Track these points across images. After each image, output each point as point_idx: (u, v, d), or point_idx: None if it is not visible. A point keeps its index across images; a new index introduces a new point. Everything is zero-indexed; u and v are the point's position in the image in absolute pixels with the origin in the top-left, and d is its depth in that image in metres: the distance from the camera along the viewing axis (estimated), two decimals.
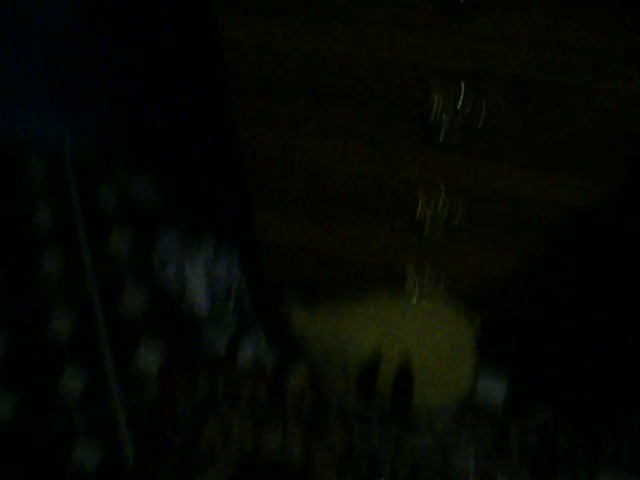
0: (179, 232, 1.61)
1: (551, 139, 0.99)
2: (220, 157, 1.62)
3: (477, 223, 1.16)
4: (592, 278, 1.27)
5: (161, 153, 1.72)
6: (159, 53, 1.49)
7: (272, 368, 1.57)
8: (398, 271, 1.33)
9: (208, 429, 1.48)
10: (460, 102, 0.95)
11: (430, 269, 1.31)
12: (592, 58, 0.86)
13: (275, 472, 1.43)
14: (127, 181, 1.76)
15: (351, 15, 0.88)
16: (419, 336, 1.35)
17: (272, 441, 1.46)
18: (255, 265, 1.52)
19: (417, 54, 0.91)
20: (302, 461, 1.44)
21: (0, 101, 1.77)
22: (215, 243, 1.57)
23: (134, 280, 1.70)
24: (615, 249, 1.18)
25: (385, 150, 1.07)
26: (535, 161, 1.03)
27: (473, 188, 1.10)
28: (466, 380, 1.41)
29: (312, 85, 1.00)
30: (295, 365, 1.49)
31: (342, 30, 0.91)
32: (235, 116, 1.09)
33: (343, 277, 1.42)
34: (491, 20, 0.84)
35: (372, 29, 0.89)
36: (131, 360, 1.59)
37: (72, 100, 1.71)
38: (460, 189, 1.10)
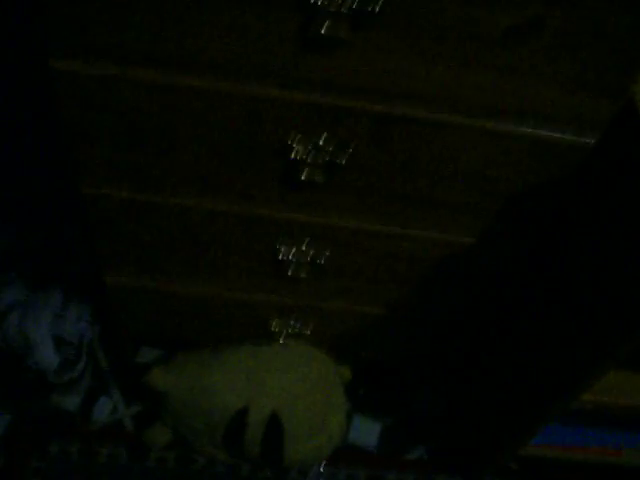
0: (22, 284, 1.47)
1: (418, 178, 0.96)
2: (62, 202, 1.50)
3: (343, 262, 1.12)
4: (462, 318, 1.26)
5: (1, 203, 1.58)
6: None
7: (131, 429, 1.46)
8: (263, 316, 1.27)
9: None
10: (322, 139, 0.90)
11: (297, 313, 1.26)
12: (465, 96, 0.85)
13: None
14: None
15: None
16: (288, 383, 1.29)
17: None
18: (108, 319, 1.41)
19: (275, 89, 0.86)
20: None
21: None
22: (63, 296, 1.44)
23: None
24: (487, 287, 1.18)
25: (242, 190, 1.01)
26: (402, 200, 1.00)
27: (338, 227, 1.05)
28: (339, 425, 1.36)
29: (156, 130, 0.93)
30: (156, 424, 1.38)
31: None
32: (73, 166, 1.00)
33: (204, 326, 1.34)
34: (354, 55, 0.81)
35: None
36: None
37: None
38: (325, 228, 1.06)
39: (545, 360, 1.15)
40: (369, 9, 0.75)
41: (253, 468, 1.42)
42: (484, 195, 0.98)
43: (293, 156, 0.92)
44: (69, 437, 1.43)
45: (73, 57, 0.84)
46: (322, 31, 0.77)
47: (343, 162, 0.92)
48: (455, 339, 1.34)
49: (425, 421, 1.55)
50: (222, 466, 1.42)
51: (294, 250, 1.09)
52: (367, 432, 1.51)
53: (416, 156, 0.93)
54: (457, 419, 1.53)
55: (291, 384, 1.29)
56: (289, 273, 1.13)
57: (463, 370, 1.48)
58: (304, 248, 1.09)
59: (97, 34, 0.81)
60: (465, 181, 0.96)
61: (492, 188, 0.97)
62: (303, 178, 0.95)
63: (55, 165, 1.42)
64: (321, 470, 1.43)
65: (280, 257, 1.10)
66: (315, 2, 0.75)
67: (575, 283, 1.06)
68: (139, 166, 0.98)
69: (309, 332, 1.30)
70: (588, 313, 1.02)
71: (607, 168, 0.97)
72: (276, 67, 0.83)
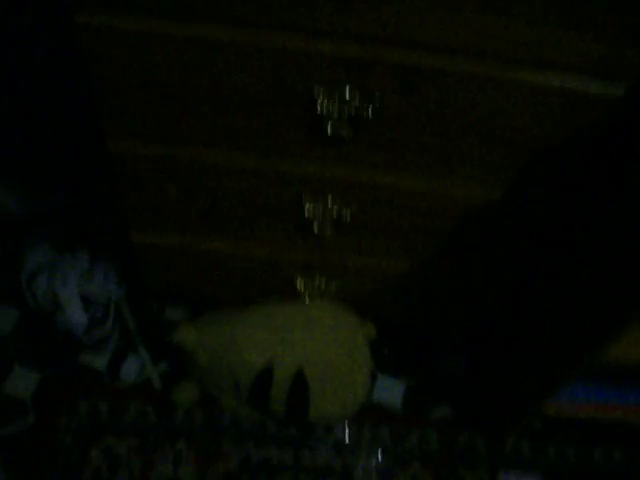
0: (49, 246, 1.49)
1: (446, 131, 0.95)
2: (91, 164, 1.51)
3: (369, 219, 1.12)
4: (486, 275, 1.26)
5: (27, 162, 1.59)
6: (18, 53, 1.38)
7: (158, 387, 1.48)
8: (288, 274, 1.28)
9: (92, 457, 1.37)
10: (347, 92, 0.90)
11: (321, 271, 1.26)
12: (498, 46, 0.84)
13: None
14: None
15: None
16: (312, 342, 1.30)
17: (163, 464, 1.37)
18: (135, 279, 1.43)
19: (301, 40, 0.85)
20: (197, 479, 1.37)
21: None
22: (90, 257, 1.46)
23: (1, 298, 1.57)
24: (509, 244, 1.17)
25: (269, 146, 1.01)
26: (429, 154, 0.99)
27: (364, 183, 1.05)
28: (363, 384, 1.37)
29: (183, 84, 0.93)
30: (183, 382, 1.40)
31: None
32: (103, 126, 1.01)
33: (229, 285, 1.35)
34: (381, 5, 0.80)
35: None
36: (2, 384, 1.46)
37: None
38: (351, 184, 1.06)
39: (569, 315, 1.15)
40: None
41: (278, 425, 1.43)
42: (511, 149, 0.98)
43: (319, 110, 0.92)
44: (98, 395, 1.45)
45: (98, 11, 0.84)
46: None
47: (369, 116, 0.92)
48: (478, 297, 1.34)
49: (449, 381, 1.55)
50: (248, 423, 1.44)
51: (320, 207, 1.10)
52: (391, 392, 1.52)
53: (443, 109, 0.92)
54: (481, 378, 1.53)
55: (316, 342, 1.30)
56: (315, 230, 1.13)
57: (486, 328, 1.48)
58: (330, 205, 1.09)
59: None
60: (492, 134, 0.95)
61: (519, 142, 0.96)
62: (329, 133, 0.94)
63: (81, 124, 1.42)
64: (345, 428, 1.45)
65: (306, 214, 1.10)
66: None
67: (600, 237, 1.05)
68: (166, 122, 0.98)
69: (334, 291, 1.30)
70: (613, 266, 1.01)
71: (634, 121, 0.96)
72: (302, 17, 0.83)
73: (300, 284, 1.29)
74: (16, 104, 1.47)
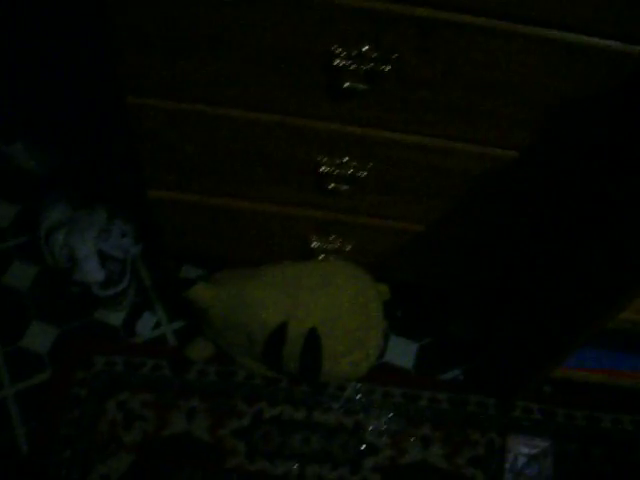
0: (67, 202, 1.50)
1: (463, 88, 0.95)
2: (106, 120, 1.52)
3: (385, 177, 1.13)
4: (500, 235, 1.26)
5: (44, 119, 1.60)
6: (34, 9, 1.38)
7: (173, 343, 1.51)
8: (303, 232, 1.29)
9: (108, 409, 1.39)
10: (366, 46, 0.90)
11: (337, 228, 1.27)
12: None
13: (181, 448, 1.36)
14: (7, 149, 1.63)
15: None
16: (326, 300, 1.31)
17: (177, 417, 1.40)
18: (152, 237, 1.44)
19: None
20: (209, 433, 1.38)
21: None
22: (107, 213, 1.47)
23: (19, 255, 1.60)
24: (526, 205, 1.18)
25: (287, 102, 1.01)
26: (446, 111, 0.99)
27: (380, 139, 1.05)
28: (376, 343, 1.38)
29: (200, 44, 0.93)
30: (197, 339, 1.42)
31: None
32: (120, 77, 1.01)
33: (244, 245, 1.36)
34: None
35: None
36: (20, 340, 1.49)
37: None
38: (367, 140, 1.06)
39: (580, 279, 1.15)
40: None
41: (291, 383, 1.45)
42: (529, 106, 0.97)
43: (336, 63, 0.92)
44: (113, 351, 1.48)
45: None
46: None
47: (387, 69, 0.92)
48: (492, 259, 1.34)
49: (461, 343, 1.56)
50: (261, 379, 1.46)
51: (335, 163, 1.10)
52: (404, 352, 1.53)
53: (461, 64, 0.92)
54: (492, 341, 1.54)
55: (330, 300, 1.31)
56: (330, 186, 1.14)
57: (499, 290, 1.48)
58: (345, 160, 1.09)
59: None
60: (510, 91, 0.95)
61: (537, 99, 0.96)
62: (346, 86, 0.95)
63: (99, 80, 1.43)
64: (358, 387, 1.46)
65: (321, 170, 1.11)
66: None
67: (615, 198, 1.05)
68: (185, 75, 0.99)
69: (349, 249, 1.31)
70: (625, 230, 1.01)
71: None
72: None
73: (315, 241, 1.29)
74: (35, 62, 1.48)
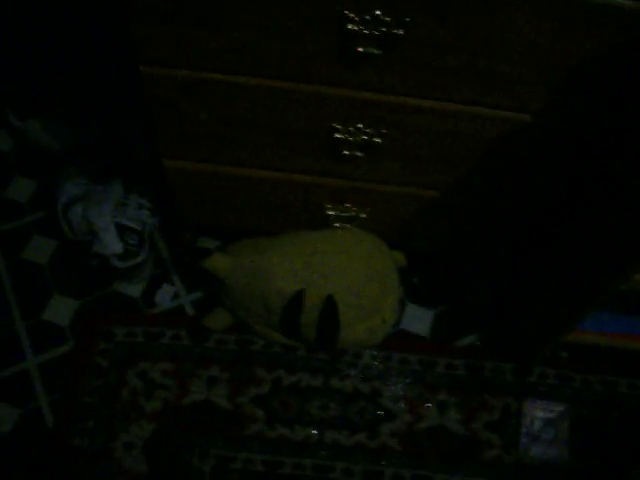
0: (84, 176, 1.52)
1: (477, 48, 0.95)
2: (121, 94, 1.52)
3: (399, 143, 1.13)
4: (516, 200, 1.26)
5: (58, 94, 1.61)
6: None
7: (192, 313, 1.52)
8: (318, 199, 1.29)
9: (129, 379, 1.42)
10: (380, 7, 0.90)
11: (352, 195, 1.27)
12: None
13: (202, 416, 1.39)
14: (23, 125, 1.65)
15: None
16: (342, 268, 1.32)
17: (197, 385, 1.42)
18: (168, 208, 1.45)
19: None
20: (229, 401, 1.41)
21: None
22: (124, 187, 1.49)
23: (38, 230, 1.62)
24: (541, 169, 1.18)
25: (299, 66, 1.01)
26: (460, 73, 0.99)
27: (395, 104, 1.06)
28: (392, 310, 1.39)
29: (213, 10, 0.93)
30: (216, 308, 1.44)
31: None
32: (135, 47, 1.02)
33: (260, 214, 1.37)
34: None
35: None
36: (42, 312, 1.51)
37: None
38: (381, 105, 1.06)
39: (593, 242, 1.16)
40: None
41: (309, 350, 1.47)
42: (543, 70, 0.97)
43: (350, 27, 0.92)
44: (133, 321, 1.50)
45: None
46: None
47: (401, 32, 0.92)
48: (507, 225, 1.34)
49: (477, 309, 1.57)
50: (279, 348, 1.47)
51: (349, 129, 1.10)
52: (420, 319, 1.55)
53: (476, 27, 0.92)
54: (508, 306, 1.55)
55: (346, 267, 1.32)
56: (345, 152, 1.14)
57: (514, 257, 1.49)
58: (360, 127, 1.10)
59: None
60: (525, 54, 0.95)
61: (552, 62, 0.96)
62: (360, 50, 0.95)
63: (113, 52, 1.43)
64: (374, 354, 1.48)
65: (336, 135, 1.11)
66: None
67: (628, 160, 1.05)
68: (199, 43, 0.99)
69: (364, 217, 1.32)
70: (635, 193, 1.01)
71: None
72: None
73: (330, 209, 1.30)
74: (48, 37, 1.48)
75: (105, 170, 1.54)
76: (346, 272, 1.32)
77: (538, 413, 1.43)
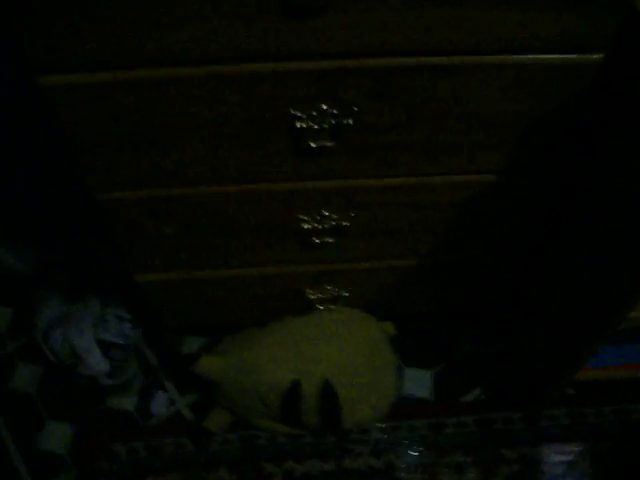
0: (58, 296, 1.49)
1: (427, 122, 0.95)
2: (85, 213, 1.51)
3: (368, 221, 1.12)
4: (495, 259, 1.26)
5: (21, 219, 1.59)
6: None
7: (190, 418, 1.49)
8: (298, 286, 1.28)
9: None
10: (325, 103, 0.90)
11: (331, 278, 1.26)
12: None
13: None
14: None
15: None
16: (334, 350, 1.30)
17: None
18: (149, 316, 1.43)
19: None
20: None
21: None
22: (100, 301, 1.46)
23: (22, 357, 1.59)
24: (516, 221, 1.17)
25: (256, 170, 1.00)
26: (415, 148, 0.99)
27: (357, 187, 1.05)
28: (391, 382, 1.37)
29: (158, 134, 0.93)
30: (214, 409, 1.40)
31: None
32: (87, 179, 1.01)
33: (241, 307, 1.35)
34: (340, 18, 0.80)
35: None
36: (38, 441, 1.48)
37: None
38: (344, 190, 1.05)
39: (590, 286, 1.14)
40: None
41: (315, 435, 1.44)
42: (495, 130, 0.97)
43: (299, 125, 0.92)
44: (133, 436, 1.46)
45: (58, 70, 0.83)
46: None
47: (350, 122, 0.91)
48: (494, 277, 1.33)
49: (477, 361, 1.55)
50: (285, 438, 1.44)
51: (316, 218, 1.09)
52: (420, 382, 1.52)
53: (421, 104, 0.91)
54: (509, 354, 1.53)
55: (338, 349, 1.30)
56: (316, 240, 1.13)
57: (509, 305, 1.47)
58: (327, 213, 1.09)
59: (79, 44, 0.80)
60: (473, 120, 0.95)
61: (501, 122, 0.96)
62: (313, 145, 0.94)
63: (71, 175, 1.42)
64: (382, 426, 1.45)
65: (304, 226, 1.10)
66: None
67: (611, 201, 1.04)
68: (148, 165, 0.98)
69: (347, 294, 1.30)
70: (626, 233, 1.00)
71: (619, 82, 0.95)
72: (266, 42, 0.82)
73: (312, 293, 1.29)
74: (12, 162, 1.47)
75: (79, 286, 1.52)
76: (338, 353, 1.30)
77: (555, 457, 1.41)
